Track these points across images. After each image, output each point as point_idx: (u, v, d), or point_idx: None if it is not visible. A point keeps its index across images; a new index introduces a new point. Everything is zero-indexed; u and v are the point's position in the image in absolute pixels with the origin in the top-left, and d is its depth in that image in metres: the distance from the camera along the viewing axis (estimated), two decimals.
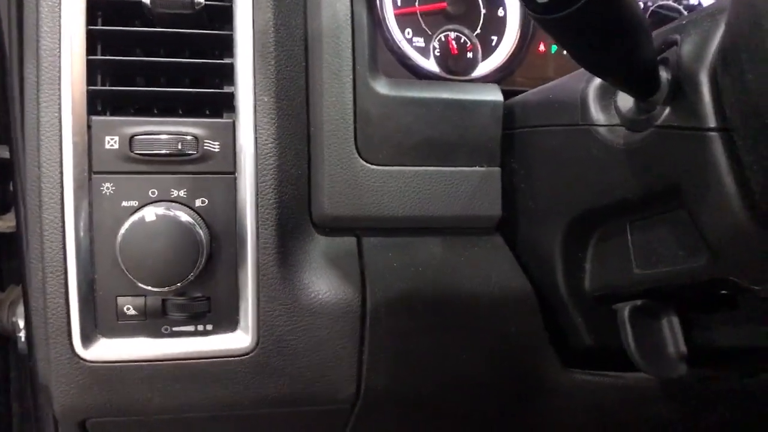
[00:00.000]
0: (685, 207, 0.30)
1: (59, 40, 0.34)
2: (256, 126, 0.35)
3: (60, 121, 0.34)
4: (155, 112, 0.36)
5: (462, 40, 0.52)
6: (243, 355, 0.36)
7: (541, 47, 0.53)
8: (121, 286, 0.35)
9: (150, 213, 0.33)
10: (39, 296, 0.35)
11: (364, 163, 0.39)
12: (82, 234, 0.34)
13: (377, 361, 0.38)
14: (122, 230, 0.33)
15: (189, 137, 0.35)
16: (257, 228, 0.36)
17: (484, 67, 0.52)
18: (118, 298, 0.35)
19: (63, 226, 0.34)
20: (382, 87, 0.39)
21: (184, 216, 0.34)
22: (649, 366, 0.36)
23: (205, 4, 0.35)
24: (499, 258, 0.41)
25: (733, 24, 0.25)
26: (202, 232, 0.34)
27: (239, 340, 0.36)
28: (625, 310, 0.37)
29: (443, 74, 0.51)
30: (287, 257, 0.37)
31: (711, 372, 0.39)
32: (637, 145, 0.31)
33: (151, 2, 0.34)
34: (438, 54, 0.51)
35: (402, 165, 0.40)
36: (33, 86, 0.34)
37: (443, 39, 0.51)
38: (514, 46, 0.52)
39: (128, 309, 0.35)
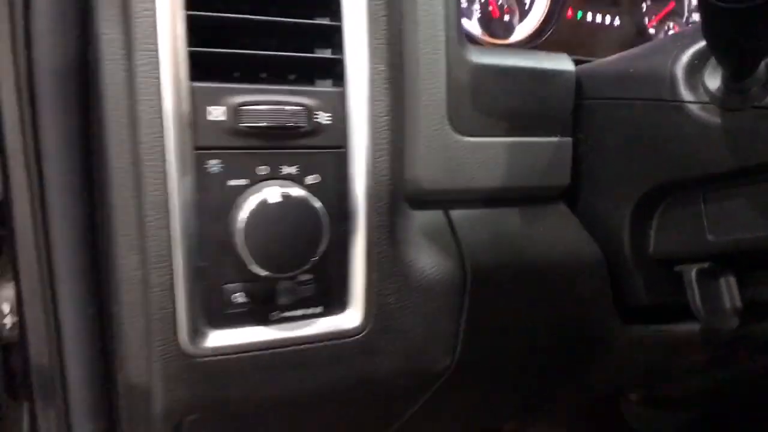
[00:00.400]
0: None
1: None
2: (371, 97, 0.33)
3: (159, 88, 0.29)
4: (259, 79, 0.32)
5: (500, 3, 0.51)
6: (352, 335, 0.35)
7: (570, 12, 0.54)
8: (229, 272, 0.31)
9: (274, 193, 0.30)
10: (134, 289, 0.31)
11: (456, 134, 0.38)
12: (190, 219, 0.30)
13: (471, 333, 0.39)
14: (245, 212, 0.30)
15: (300, 108, 0.31)
16: (370, 205, 0.34)
17: (520, 31, 0.53)
18: (226, 286, 0.32)
19: (167, 211, 0.30)
20: (472, 55, 0.38)
21: (310, 196, 0.31)
22: (710, 319, 0.40)
23: None
24: (569, 226, 0.43)
25: None
26: (324, 213, 0.31)
27: (349, 320, 0.35)
28: (692, 272, 0.40)
29: (485, 37, 0.50)
30: (395, 234, 0.35)
31: (756, 324, 0.45)
32: (733, 124, 0.34)
33: None
34: (480, 16, 0.50)
35: (489, 136, 0.39)
36: (118, 47, 0.29)
37: (484, 1, 0.50)
38: (547, 10, 0.53)
39: (236, 297, 0.32)
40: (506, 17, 0.51)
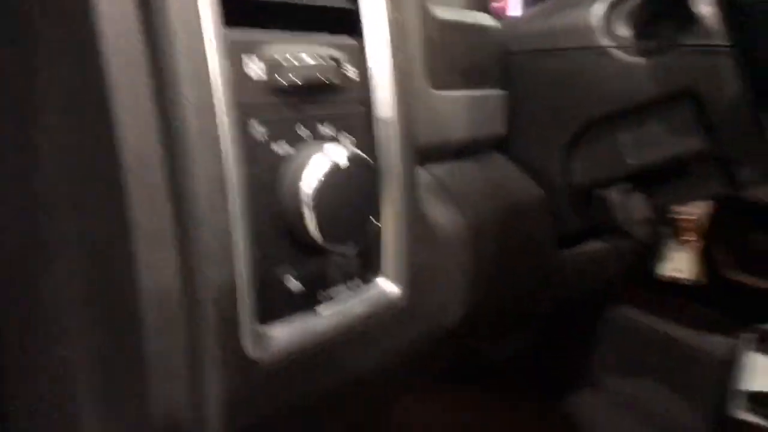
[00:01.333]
0: (691, 105, 0.42)
1: None
2: (392, 50, 0.31)
3: (202, 41, 0.23)
4: (288, 29, 0.27)
5: None
6: (395, 303, 0.33)
7: None
8: (282, 256, 0.27)
9: (341, 153, 0.26)
10: (190, 285, 0.24)
11: (432, 89, 0.38)
12: (248, 199, 0.25)
13: (474, 283, 0.39)
14: (314, 179, 0.26)
15: (331, 61, 0.28)
16: (399, 166, 0.32)
17: None
18: (282, 273, 0.27)
19: (226, 184, 0.24)
20: (437, 11, 0.39)
21: (368, 159, 0.28)
22: (632, 229, 0.48)
23: None
24: (513, 170, 0.47)
25: None
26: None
27: (390, 288, 0.33)
28: (612, 192, 0.47)
29: None
30: (417, 194, 0.34)
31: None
32: (648, 62, 0.41)
33: None
34: None
35: (454, 89, 0.40)
36: None
37: None
38: None
39: (291, 285, 0.27)
40: None
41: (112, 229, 0.24)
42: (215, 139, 0.24)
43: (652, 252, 0.80)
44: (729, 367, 0.93)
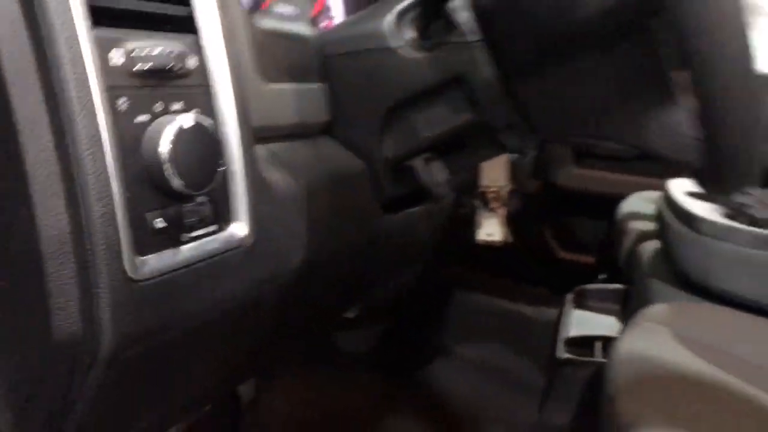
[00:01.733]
0: (461, 87, 0.56)
1: None
2: (225, 44, 0.41)
3: (77, 37, 0.31)
4: (140, 28, 0.36)
5: None
6: (244, 245, 0.42)
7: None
8: (149, 200, 0.35)
9: (188, 120, 0.35)
10: (78, 221, 0.31)
11: (263, 81, 0.48)
12: (113, 151, 0.33)
13: (309, 234, 0.50)
14: (168, 141, 0.34)
15: (177, 52, 0.37)
16: (239, 134, 0.41)
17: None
18: (148, 213, 0.35)
19: (102, 144, 0.32)
20: (258, 22, 0.49)
21: (209, 122, 0.37)
22: (435, 189, 0.62)
23: None
24: (339, 149, 0.58)
25: None
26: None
27: (239, 232, 0.42)
28: (416, 161, 0.61)
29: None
30: (256, 158, 0.44)
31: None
32: (433, 55, 0.55)
33: None
34: None
35: (282, 82, 0.51)
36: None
37: None
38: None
39: (157, 223, 0.36)
40: None
41: (12, 183, 0.31)
42: (91, 110, 0.32)
43: (470, 224, 0.97)
44: (556, 324, 1.13)
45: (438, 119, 0.59)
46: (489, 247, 1.00)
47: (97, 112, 0.32)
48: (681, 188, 1.28)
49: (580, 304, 1.20)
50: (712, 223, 1.04)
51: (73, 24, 0.31)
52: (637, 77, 0.51)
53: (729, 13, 0.37)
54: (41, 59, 0.30)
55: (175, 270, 0.37)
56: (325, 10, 0.83)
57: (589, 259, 1.78)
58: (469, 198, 0.94)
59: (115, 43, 0.34)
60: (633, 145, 0.64)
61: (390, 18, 0.56)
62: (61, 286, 0.32)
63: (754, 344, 0.83)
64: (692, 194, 1.25)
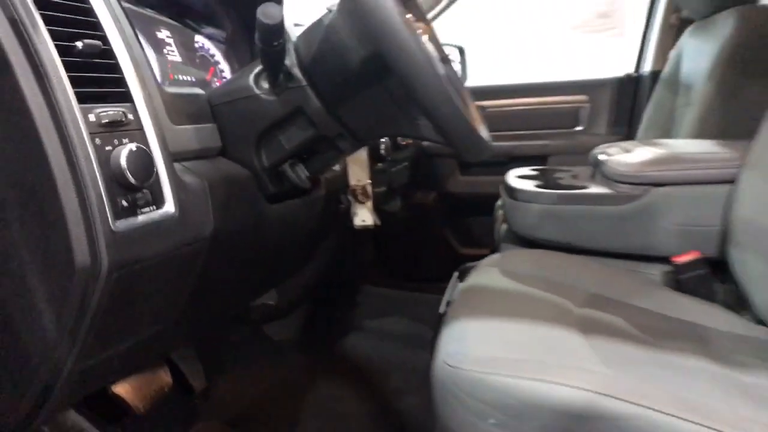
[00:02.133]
0: (303, 115, 0.89)
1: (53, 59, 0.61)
2: (148, 107, 0.72)
3: (74, 110, 0.62)
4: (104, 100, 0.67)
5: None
6: (172, 218, 0.73)
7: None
8: (117, 190, 0.66)
9: (133, 147, 0.66)
10: (83, 201, 0.61)
11: (173, 124, 0.80)
12: (97, 165, 0.63)
13: (214, 213, 0.81)
14: (124, 157, 0.65)
15: (122, 111, 0.68)
16: (162, 155, 0.72)
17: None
18: (118, 198, 0.66)
19: (92, 161, 0.62)
20: (166, 88, 0.81)
21: (146, 147, 0.68)
22: (301, 183, 0.94)
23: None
24: (230, 164, 0.90)
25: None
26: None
27: (169, 210, 0.72)
28: (285, 166, 0.93)
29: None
30: (174, 166, 0.75)
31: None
32: (282, 96, 0.88)
33: None
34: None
35: (185, 125, 0.82)
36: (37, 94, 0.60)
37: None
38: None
39: (123, 202, 0.66)
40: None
41: (46, 181, 0.60)
42: (84, 144, 0.62)
43: (349, 215, 1.29)
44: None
45: (292, 136, 0.92)
46: (400, 254, 1.32)
47: (87, 144, 0.62)
48: (514, 174, 1.68)
49: (463, 278, 1.54)
50: (525, 191, 1.42)
51: (71, 104, 0.62)
52: (405, 96, 0.85)
53: (424, 65, 0.71)
54: (56, 120, 0.61)
55: (135, 228, 0.67)
56: (216, 73, 1.15)
57: (485, 251, 2.14)
58: (344, 195, 1.27)
59: (90, 110, 0.65)
60: (412, 136, 0.99)
61: (251, 76, 0.89)
62: (78, 237, 0.62)
63: (553, 269, 1.20)
64: (522, 176, 1.65)
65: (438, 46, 1.02)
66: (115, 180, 0.65)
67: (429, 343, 1.43)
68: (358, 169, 1.25)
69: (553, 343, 0.82)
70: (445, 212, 2.54)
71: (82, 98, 0.63)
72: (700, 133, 1.66)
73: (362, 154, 1.25)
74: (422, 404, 1.43)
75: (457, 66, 2.12)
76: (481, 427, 0.72)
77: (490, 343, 0.82)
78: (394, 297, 1.98)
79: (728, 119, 1.62)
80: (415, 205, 2.39)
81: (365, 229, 1.30)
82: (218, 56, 1.19)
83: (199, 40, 1.14)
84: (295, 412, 1.44)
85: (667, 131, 2.00)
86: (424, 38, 0.93)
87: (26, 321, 0.65)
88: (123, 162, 0.65)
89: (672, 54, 2.09)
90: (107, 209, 0.63)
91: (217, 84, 1.14)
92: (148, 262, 0.70)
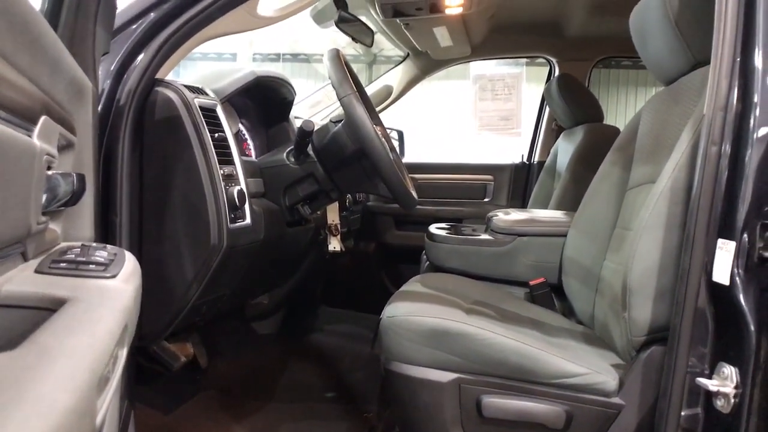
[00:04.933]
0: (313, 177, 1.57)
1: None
2: (241, 168, 1.37)
3: (215, 166, 1.26)
4: None
5: None
6: (249, 226, 1.37)
7: None
8: (231, 209, 1.29)
9: (237, 188, 1.31)
10: (215, 209, 1.25)
11: (246, 178, 1.45)
12: (223, 195, 1.28)
13: (264, 228, 1.45)
14: (235, 193, 1.30)
15: (232, 169, 1.33)
16: (247, 194, 1.37)
17: None
18: (230, 212, 1.29)
19: (222, 192, 1.26)
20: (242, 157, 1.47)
21: (243, 189, 1.34)
22: (306, 217, 1.60)
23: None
24: (269, 203, 1.55)
25: None
26: None
27: (248, 222, 1.36)
28: (299, 205, 1.59)
29: None
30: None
31: None
32: (300, 166, 1.56)
33: None
34: None
35: (251, 178, 1.48)
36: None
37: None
38: None
39: (232, 215, 1.30)
40: None
41: (200, 197, 1.24)
42: (219, 183, 1.27)
43: (325, 243, 1.94)
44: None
45: (304, 189, 1.58)
46: (346, 286, 1.98)
47: (220, 184, 1.27)
48: (435, 226, 2.41)
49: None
50: (440, 235, 2.15)
51: (215, 163, 1.27)
52: (371, 169, 1.54)
53: (383, 154, 1.42)
54: (210, 170, 1.26)
55: (235, 229, 1.31)
56: (248, 147, 1.81)
57: None
58: (323, 230, 1.94)
59: (221, 167, 1.29)
60: (373, 192, 1.71)
61: (284, 154, 1.56)
62: (213, 229, 1.25)
63: (455, 283, 1.89)
64: (439, 227, 2.39)
65: (388, 139, 1.74)
66: (230, 203, 1.29)
67: (371, 339, 2.07)
68: (332, 213, 1.92)
69: (448, 309, 1.49)
70: (382, 259, 3.22)
71: (219, 161, 1.29)
72: (560, 205, 2.45)
73: (336, 204, 1.93)
74: (365, 378, 2.05)
75: (396, 143, 2.87)
76: (407, 346, 1.37)
77: (413, 306, 1.49)
78: (344, 313, 2.62)
79: (576, 197, 2.42)
80: (359, 252, 3.06)
81: (334, 253, 1.96)
82: (247, 136, 1.85)
83: (241, 126, 1.81)
84: (273, 384, 2.03)
85: (545, 204, 2.80)
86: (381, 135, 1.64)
87: (175, 271, 1.26)
88: (234, 195, 1.29)
89: (552, 150, 2.94)
90: (226, 217, 1.27)
91: (248, 154, 1.79)
92: (238, 248, 1.33)
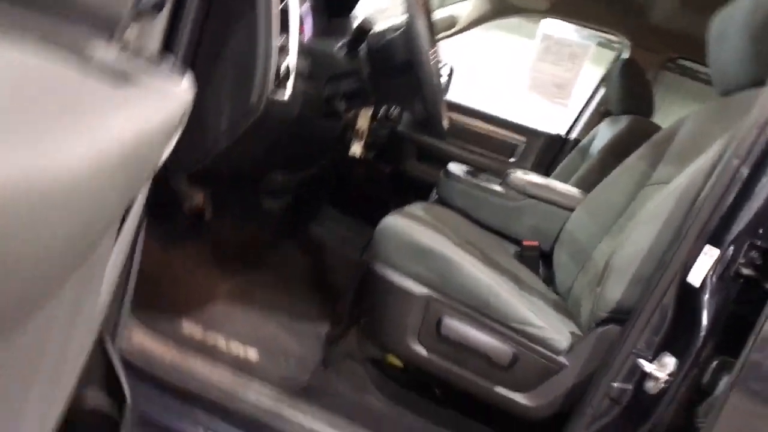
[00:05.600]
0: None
1: None
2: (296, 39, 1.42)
3: (273, 31, 1.31)
4: None
5: None
6: (285, 101, 1.43)
7: None
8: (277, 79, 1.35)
9: (290, 59, 1.36)
10: (263, 71, 1.31)
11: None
12: (275, 59, 1.33)
13: (300, 105, 1.51)
14: (285, 61, 1.35)
15: (286, 35, 1.38)
16: (295, 70, 1.42)
17: None
18: (274, 83, 1.35)
19: (274, 57, 1.31)
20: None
21: (294, 59, 1.38)
22: (341, 110, 1.65)
23: None
24: (311, 86, 1.60)
25: None
26: None
27: (286, 96, 1.42)
28: (336, 98, 1.64)
29: None
30: None
31: None
32: (350, 60, 1.59)
33: None
34: None
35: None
36: None
37: None
38: None
39: (273, 86, 1.36)
40: None
41: (252, 57, 1.29)
42: (271, 46, 1.32)
43: (349, 145, 2.00)
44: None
45: (346, 84, 1.62)
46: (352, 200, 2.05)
47: (273, 46, 1.32)
48: (454, 164, 2.45)
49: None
50: (455, 174, 2.20)
51: (274, 26, 1.31)
52: (413, 86, 1.58)
53: (430, 76, 1.45)
54: (267, 32, 1.30)
55: (274, 100, 1.36)
56: (304, 30, 1.84)
57: None
58: (350, 132, 1.99)
59: (279, 35, 1.34)
60: (408, 109, 1.74)
61: (336, 45, 1.59)
62: (257, 89, 1.31)
63: (455, 220, 1.96)
64: (458, 166, 2.44)
65: (437, 65, 1.76)
66: (276, 74, 1.34)
67: (362, 248, 2.18)
68: (363, 119, 1.97)
69: (440, 236, 1.58)
70: (395, 184, 3.28)
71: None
72: (579, 185, 2.49)
73: (369, 111, 1.97)
74: (346, 280, 2.17)
75: (444, 78, 2.87)
76: (393, 253, 1.46)
77: (410, 223, 1.57)
78: (343, 218, 2.72)
79: (597, 182, 2.45)
80: (376, 169, 3.12)
81: (353, 158, 2.02)
82: (309, 16, 1.86)
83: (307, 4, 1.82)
84: (263, 256, 2.15)
85: (567, 181, 2.83)
86: (433, 58, 1.66)
87: (212, 120, 1.33)
88: (282, 67, 1.34)
89: (592, 131, 2.94)
90: (269, 84, 1.32)
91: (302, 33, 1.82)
92: (270, 118, 1.39)
